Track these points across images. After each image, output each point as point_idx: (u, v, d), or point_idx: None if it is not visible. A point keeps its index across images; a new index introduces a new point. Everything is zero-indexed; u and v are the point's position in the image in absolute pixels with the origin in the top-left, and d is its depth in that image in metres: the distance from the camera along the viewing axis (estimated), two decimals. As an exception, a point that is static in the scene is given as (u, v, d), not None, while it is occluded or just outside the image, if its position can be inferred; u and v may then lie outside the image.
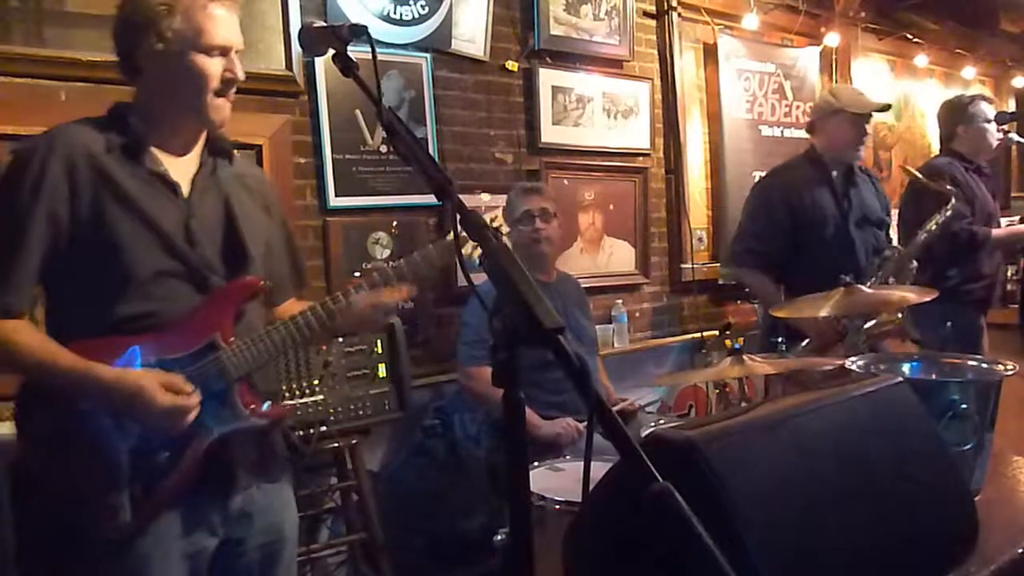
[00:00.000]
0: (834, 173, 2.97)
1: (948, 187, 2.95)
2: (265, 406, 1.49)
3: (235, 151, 1.59)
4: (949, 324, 2.99)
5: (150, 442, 1.37)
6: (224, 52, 1.44)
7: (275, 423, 1.56)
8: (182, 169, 1.48)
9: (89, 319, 1.38)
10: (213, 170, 1.53)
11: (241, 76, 1.47)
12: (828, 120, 2.93)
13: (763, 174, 3.32)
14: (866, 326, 2.63)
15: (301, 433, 2.29)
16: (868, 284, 2.63)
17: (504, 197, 3.02)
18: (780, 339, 2.53)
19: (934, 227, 2.87)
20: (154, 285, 1.40)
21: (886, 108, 3.01)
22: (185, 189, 1.47)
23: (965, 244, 3.23)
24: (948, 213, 2.88)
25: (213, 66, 1.42)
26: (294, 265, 1.72)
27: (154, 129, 1.45)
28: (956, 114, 3.49)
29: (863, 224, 2.97)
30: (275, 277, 1.63)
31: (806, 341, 2.75)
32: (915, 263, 2.87)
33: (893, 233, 3.36)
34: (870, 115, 2.90)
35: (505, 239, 1.74)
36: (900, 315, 2.68)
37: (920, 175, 3.07)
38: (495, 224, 1.73)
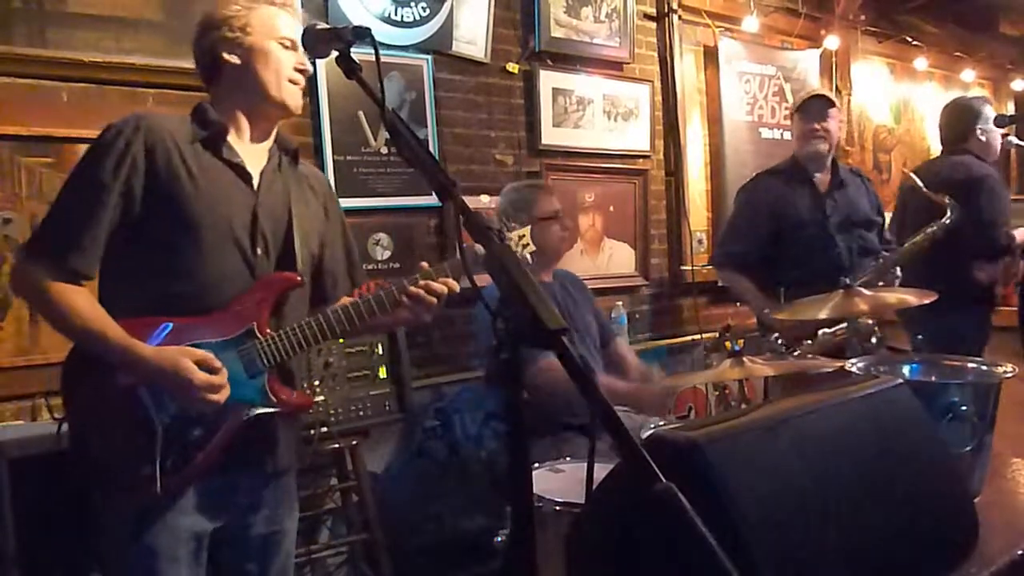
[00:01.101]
0: (816, 175, 3.00)
1: (947, 199, 2.90)
2: (293, 395, 1.57)
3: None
4: (920, 336, 3.00)
5: (184, 419, 1.43)
6: (294, 47, 1.59)
7: (300, 411, 1.64)
8: (255, 161, 1.58)
9: (143, 295, 1.45)
10: (279, 165, 1.64)
11: (310, 69, 1.62)
12: (792, 124, 3.16)
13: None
14: (829, 331, 2.62)
15: (302, 434, 2.30)
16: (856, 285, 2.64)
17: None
18: (780, 340, 2.53)
19: (921, 239, 2.85)
20: (211, 265, 1.48)
21: (821, 97, 3.07)
22: (256, 180, 1.55)
23: (1004, 247, 3.17)
24: (945, 223, 2.85)
25: (287, 55, 1.58)
26: (350, 264, 1.80)
27: (232, 122, 1.58)
28: (971, 114, 3.39)
29: (847, 226, 2.98)
30: (331, 274, 1.73)
31: (775, 335, 2.77)
32: (899, 270, 2.86)
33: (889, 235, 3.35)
34: (820, 111, 3.00)
35: (519, 246, 1.74)
36: (871, 321, 2.65)
37: (923, 185, 2.98)
38: (523, 241, 1.74)
